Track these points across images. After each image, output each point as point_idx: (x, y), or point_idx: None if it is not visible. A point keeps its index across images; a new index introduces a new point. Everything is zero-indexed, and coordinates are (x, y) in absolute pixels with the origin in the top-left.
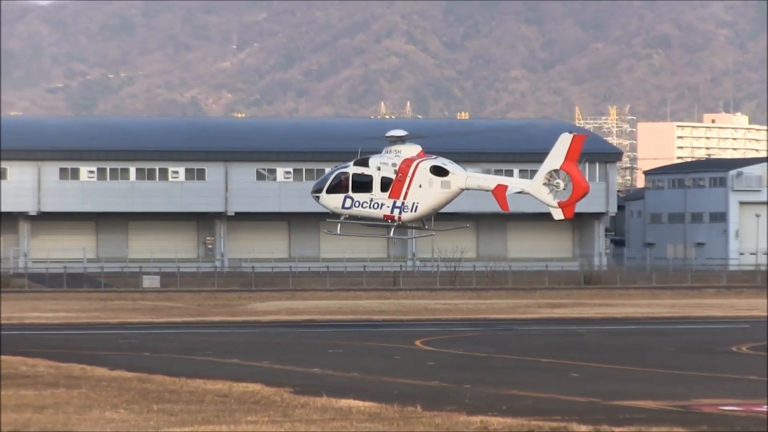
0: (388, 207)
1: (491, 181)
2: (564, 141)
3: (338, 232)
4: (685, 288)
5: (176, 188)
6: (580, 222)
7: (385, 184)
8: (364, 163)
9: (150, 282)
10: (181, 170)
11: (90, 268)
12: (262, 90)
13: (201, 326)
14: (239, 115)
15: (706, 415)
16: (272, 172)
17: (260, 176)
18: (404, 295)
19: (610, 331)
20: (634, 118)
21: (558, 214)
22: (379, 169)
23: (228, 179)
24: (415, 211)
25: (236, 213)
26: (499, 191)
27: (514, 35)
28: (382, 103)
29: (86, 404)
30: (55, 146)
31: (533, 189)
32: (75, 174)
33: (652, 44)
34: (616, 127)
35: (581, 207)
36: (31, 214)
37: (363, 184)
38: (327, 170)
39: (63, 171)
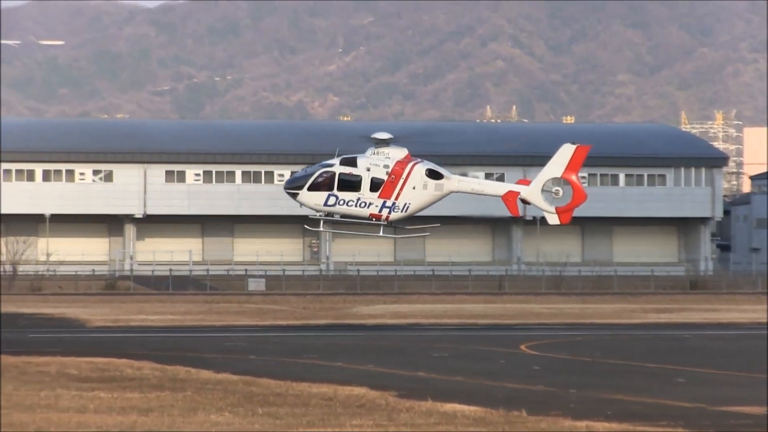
0: (376, 206)
1: (486, 185)
2: (566, 151)
3: (321, 228)
4: None
5: (282, 191)
6: (686, 227)
7: (375, 184)
8: (351, 162)
9: (255, 285)
10: (287, 173)
11: (196, 271)
12: (368, 93)
13: (306, 329)
14: (345, 119)
15: None
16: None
17: None
18: (509, 299)
19: (715, 336)
20: (741, 122)
21: (554, 219)
22: (368, 169)
23: None
24: (406, 211)
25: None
26: (511, 197)
27: (620, 39)
28: (488, 107)
29: (191, 407)
30: (161, 149)
31: (530, 194)
32: (181, 177)
33: (759, 48)
34: (722, 131)
35: (687, 212)
36: (137, 216)
37: (350, 183)
38: (299, 169)
39: (169, 174)
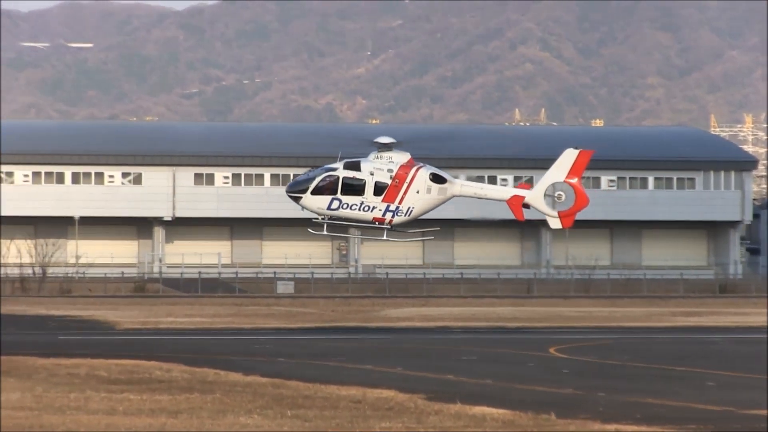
0: (379, 210)
1: (488, 189)
2: (569, 155)
3: (324, 232)
4: None
5: None
6: (715, 230)
7: (379, 188)
8: (355, 167)
9: (284, 288)
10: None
11: (224, 274)
12: (397, 96)
13: (335, 332)
14: (374, 122)
15: None
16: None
17: None
18: (538, 302)
19: (745, 339)
20: None
21: (556, 224)
22: (372, 174)
23: None
24: (409, 215)
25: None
26: (516, 201)
27: (649, 42)
28: (517, 110)
29: (220, 409)
30: (190, 151)
31: (533, 198)
32: (210, 179)
33: None
34: (752, 134)
35: (716, 215)
36: (165, 219)
37: (354, 187)
38: (300, 173)
39: (198, 176)
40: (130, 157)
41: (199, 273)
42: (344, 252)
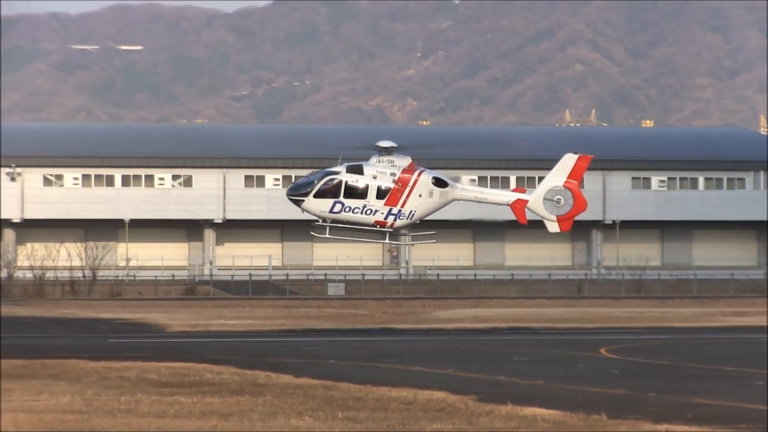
0: (382, 213)
1: (489, 193)
2: (568, 160)
3: (327, 234)
4: None
5: None
6: (765, 230)
7: (381, 192)
8: (358, 170)
9: (335, 290)
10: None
11: (275, 276)
12: (447, 98)
13: (386, 334)
14: (424, 123)
15: None
16: (457, 179)
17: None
18: (589, 303)
19: None
20: None
21: (554, 227)
22: (375, 177)
23: None
24: (411, 218)
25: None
26: (519, 205)
27: (699, 43)
28: (567, 111)
29: (271, 411)
30: (240, 154)
31: (532, 202)
32: (260, 181)
33: None
34: None
35: (766, 215)
36: (216, 221)
37: (357, 190)
38: (302, 175)
39: (248, 178)
40: (180, 159)
41: (250, 275)
42: (395, 253)
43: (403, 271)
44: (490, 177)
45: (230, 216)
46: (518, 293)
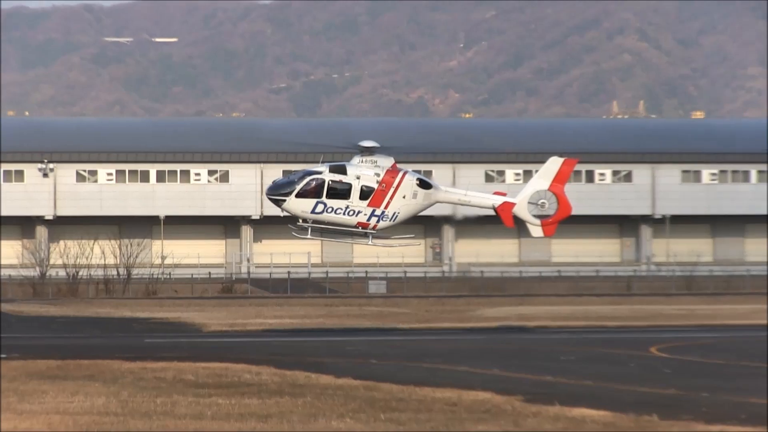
0: (365, 215)
1: (472, 196)
2: (553, 164)
3: (308, 235)
4: None
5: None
6: None
7: (365, 192)
8: (341, 170)
9: (376, 287)
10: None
11: (314, 274)
12: (491, 89)
13: (429, 332)
14: (467, 116)
15: None
16: (501, 173)
17: (489, 178)
18: (638, 300)
19: None
20: None
21: (537, 231)
22: (358, 178)
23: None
24: (394, 220)
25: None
26: (506, 208)
27: (750, 31)
28: (615, 103)
29: (311, 413)
30: (278, 148)
31: (518, 206)
32: None
33: None
34: None
35: None
36: (253, 217)
37: (339, 191)
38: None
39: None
40: (216, 154)
41: (288, 273)
42: (438, 250)
43: (446, 269)
44: (534, 170)
45: (268, 212)
46: (565, 290)
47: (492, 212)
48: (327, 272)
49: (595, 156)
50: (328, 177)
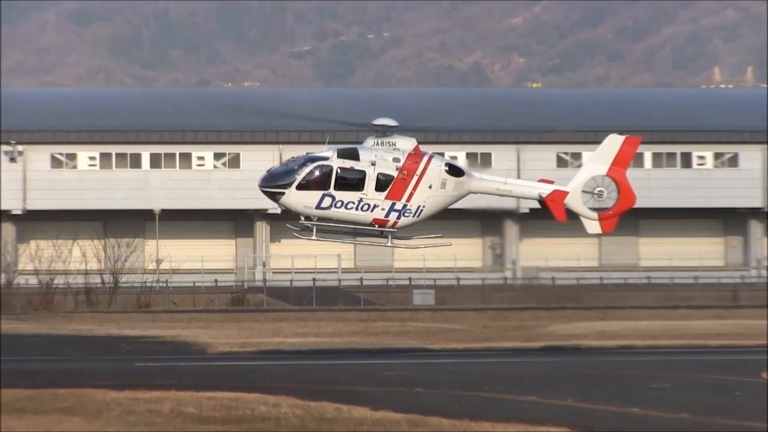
0: (382, 210)
1: (515, 185)
2: (612, 143)
3: (314, 236)
4: None
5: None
6: None
7: (382, 182)
8: (351, 155)
9: (422, 298)
10: (461, 154)
11: (346, 281)
12: (563, 53)
13: (487, 354)
14: (534, 85)
15: None
16: (576, 156)
17: (561, 162)
18: (747, 313)
19: None
20: None
21: (594, 227)
22: (374, 164)
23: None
24: (419, 215)
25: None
26: (557, 198)
27: None
28: (716, 69)
29: None
30: (301, 126)
31: (571, 195)
32: None
33: None
34: None
35: None
36: (270, 212)
37: (350, 181)
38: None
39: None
40: (224, 133)
41: (314, 280)
42: (498, 251)
43: (508, 274)
44: (680, 153)
45: None
46: (656, 301)
47: (538, 205)
48: (361, 279)
49: (692, 135)
50: (337, 163)
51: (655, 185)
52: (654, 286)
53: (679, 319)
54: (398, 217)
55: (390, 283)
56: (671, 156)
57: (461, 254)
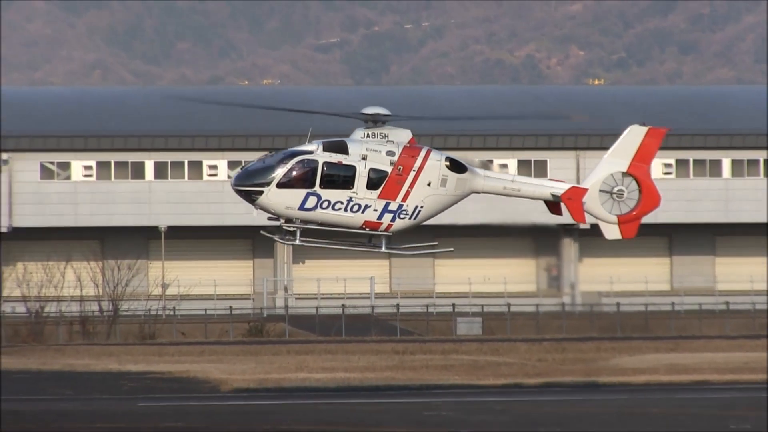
0: (375, 211)
1: (524, 183)
2: (634, 135)
3: (297, 242)
4: None
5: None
6: None
7: (374, 179)
8: (339, 148)
9: (468, 327)
10: (512, 162)
11: (380, 307)
12: (629, 45)
13: (543, 391)
14: (596, 82)
15: None
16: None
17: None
18: None
19: None
20: None
21: (613, 232)
22: (364, 158)
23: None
24: (416, 217)
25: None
26: (575, 196)
27: None
28: None
29: None
30: (328, 128)
31: (588, 194)
32: None
33: None
34: None
35: None
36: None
37: (338, 177)
38: (258, 157)
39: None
40: (240, 138)
41: (343, 307)
42: (555, 273)
43: (566, 299)
44: (693, 160)
45: None
46: (736, 330)
47: (553, 207)
48: (398, 305)
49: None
50: (322, 158)
51: (735, 197)
52: (733, 313)
53: (762, 350)
54: (393, 220)
55: (430, 309)
56: (753, 163)
57: (512, 277)
